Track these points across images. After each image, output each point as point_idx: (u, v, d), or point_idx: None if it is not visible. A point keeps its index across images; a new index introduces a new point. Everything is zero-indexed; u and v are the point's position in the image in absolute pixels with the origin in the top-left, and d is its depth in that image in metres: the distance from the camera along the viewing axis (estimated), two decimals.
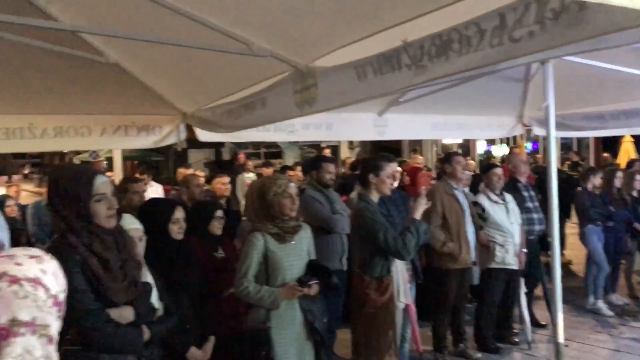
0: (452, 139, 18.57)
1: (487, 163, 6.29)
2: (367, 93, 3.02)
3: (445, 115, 6.44)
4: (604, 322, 6.07)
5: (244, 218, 5.25)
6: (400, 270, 3.77)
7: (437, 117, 6.40)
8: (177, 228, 3.32)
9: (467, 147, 19.82)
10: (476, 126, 6.68)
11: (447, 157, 5.34)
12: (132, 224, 2.67)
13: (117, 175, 9.80)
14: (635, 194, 6.71)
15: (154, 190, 7.90)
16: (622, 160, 12.57)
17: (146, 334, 2.36)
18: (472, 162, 8.96)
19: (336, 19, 2.98)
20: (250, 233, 3.28)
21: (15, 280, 1.18)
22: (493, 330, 5.38)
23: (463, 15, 2.48)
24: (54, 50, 3.55)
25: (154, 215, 3.27)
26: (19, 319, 1.16)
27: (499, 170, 5.34)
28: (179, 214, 3.35)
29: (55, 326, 1.25)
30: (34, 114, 4.92)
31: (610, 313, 6.28)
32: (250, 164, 12.29)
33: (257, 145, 23.39)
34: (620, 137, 14.35)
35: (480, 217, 5.16)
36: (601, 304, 6.46)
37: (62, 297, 1.28)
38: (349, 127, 5.87)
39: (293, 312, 3.22)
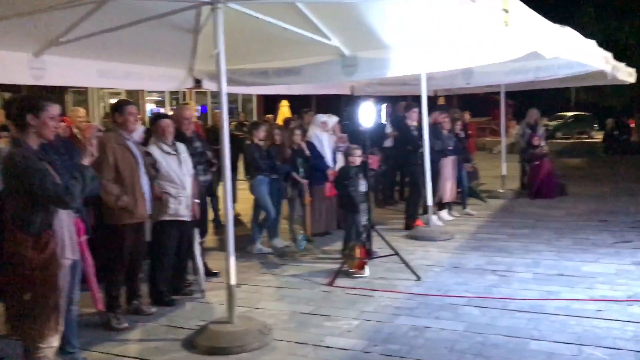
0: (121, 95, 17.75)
1: (156, 114, 6.14)
2: None
3: (112, 62, 5.95)
4: (268, 264, 6.61)
5: None
6: (66, 224, 3.34)
7: (104, 63, 5.87)
8: None
9: (136, 108, 19.20)
10: (146, 76, 6.37)
11: (117, 106, 4.96)
12: None
13: None
14: (295, 147, 7.40)
15: None
16: (281, 120, 13.98)
17: None
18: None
19: None
20: None
21: None
22: (168, 283, 5.32)
23: None
24: None
25: None
26: None
27: (167, 120, 5.23)
28: None
29: None
30: None
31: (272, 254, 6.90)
32: None
33: None
34: (278, 102, 16.04)
35: (153, 168, 4.98)
36: (265, 248, 7.07)
37: None
38: None
39: None
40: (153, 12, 4.55)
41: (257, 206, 7.12)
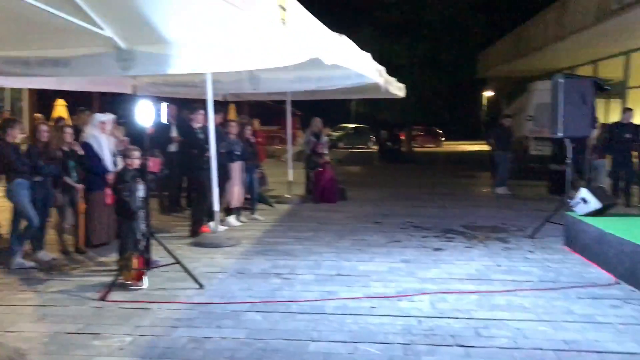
0: None
1: None
2: None
3: None
4: (30, 281, 5.78)
5: None
6: None
7: None
8: None
9: None
10: None
11: None
12: None
13: None
14: (66, 147, 6.65)
15: None
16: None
17: None
18: None
19: None
20: None
21: None
22: None
23: None
24: None
25: None
26: None
27: None
28: None
29: None
30: None
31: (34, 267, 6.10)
32: None
33: None
34: (54, 101, 14.59)
35: None
36: (28, 262, 6.23)
37: None
38: None
39: None
40: None
41: (17, 214, 6.22)
